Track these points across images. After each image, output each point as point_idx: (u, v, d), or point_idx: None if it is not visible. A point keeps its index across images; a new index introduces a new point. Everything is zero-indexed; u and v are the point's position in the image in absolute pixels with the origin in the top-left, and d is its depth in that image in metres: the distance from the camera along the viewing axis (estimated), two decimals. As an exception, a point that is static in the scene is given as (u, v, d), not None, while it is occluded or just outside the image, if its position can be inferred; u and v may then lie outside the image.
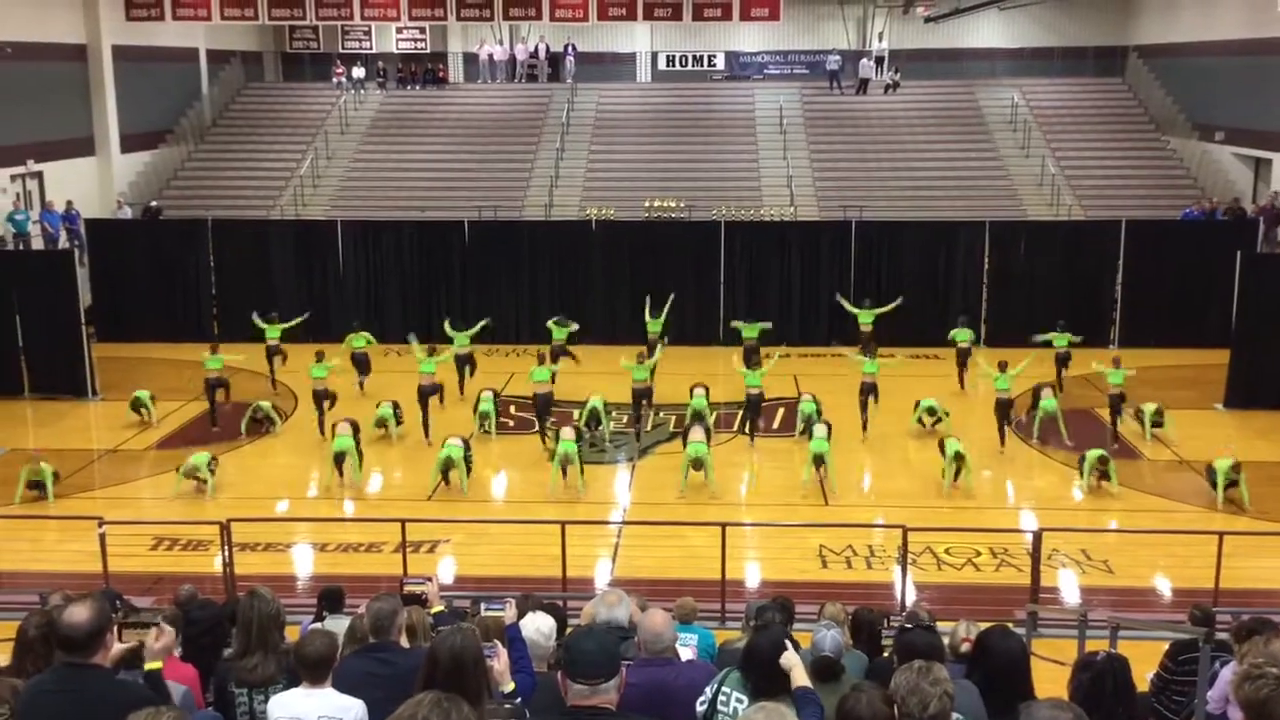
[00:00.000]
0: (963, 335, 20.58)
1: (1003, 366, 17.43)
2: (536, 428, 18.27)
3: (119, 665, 4.88)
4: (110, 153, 29.98)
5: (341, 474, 15.91)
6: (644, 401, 18.66)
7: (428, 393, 18.02)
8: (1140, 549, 13.78)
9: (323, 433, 17.63)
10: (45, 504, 15.17)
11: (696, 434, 16.15)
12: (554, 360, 19.65)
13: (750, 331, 21.39)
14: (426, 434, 17.86)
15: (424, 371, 18.10)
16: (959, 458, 15.64)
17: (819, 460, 15.73)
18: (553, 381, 18.28)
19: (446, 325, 20.35)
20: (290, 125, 34.20)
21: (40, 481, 15.35)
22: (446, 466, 15.65)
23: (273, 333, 20.31)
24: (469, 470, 15.91)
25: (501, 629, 5.40)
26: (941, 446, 16.04)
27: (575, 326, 21.44)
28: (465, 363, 20.11)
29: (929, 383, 20.72)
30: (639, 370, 18.48)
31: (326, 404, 18.06)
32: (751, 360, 19.60)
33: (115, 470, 17.07)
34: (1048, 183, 29.84)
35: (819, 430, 16.23)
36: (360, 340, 20.50)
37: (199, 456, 15.78)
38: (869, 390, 18.22)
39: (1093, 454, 15.62)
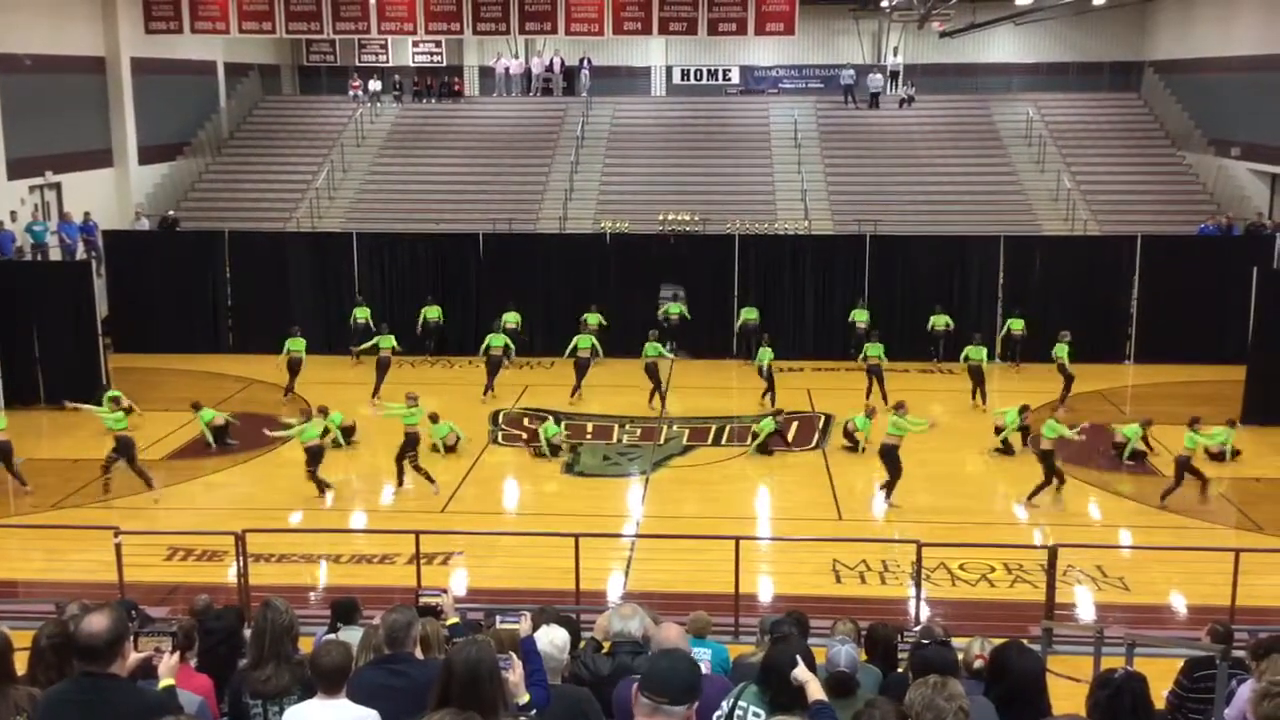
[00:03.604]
0: (976, 353, 20.51)
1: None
2: (574, 387, 20.86)
3: (135, 675, 4.90)
4: (128, 164, 30.16)
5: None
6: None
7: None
8: (1156, 566, 13.72)
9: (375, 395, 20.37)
10: (62, 512, 15.26)
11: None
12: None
13: (750, 314, 23.14)
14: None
15: (493, 345, 21.39)
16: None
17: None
18: (593, 352, 21.08)
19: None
20: (307, 138, 34.37)
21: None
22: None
23: (385, 343, 21.27)
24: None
25: (516, 641, 5.40)
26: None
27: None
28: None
29: (941, 396, 20.73)
30: (652, 347, 20.61)
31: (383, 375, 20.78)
32: (754, 342, 21.40)
33: (131, 480, 17.10)
34: (1063, 198, 29.78)
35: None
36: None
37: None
38: (875, 371, 20.30)
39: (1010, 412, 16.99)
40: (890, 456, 15.70)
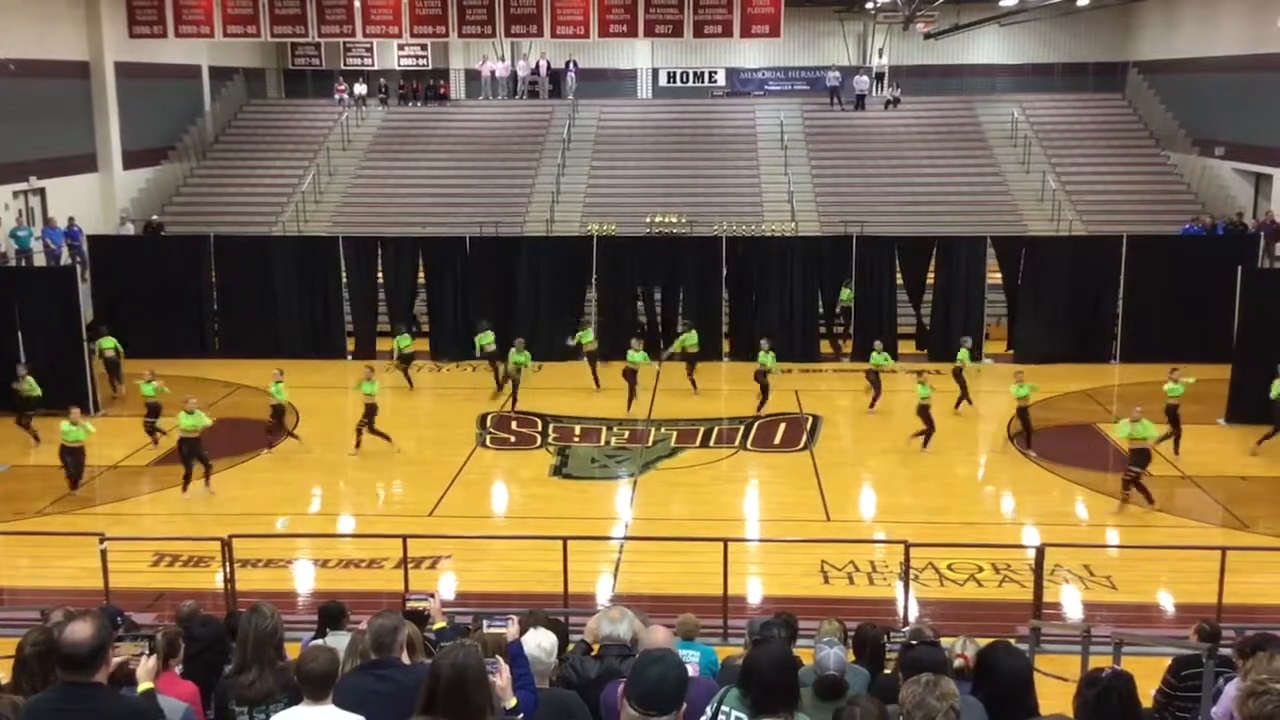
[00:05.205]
0: (879, 358, 20.50)
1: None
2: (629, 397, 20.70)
3: (116, 681, 4.86)
4: (113, 169, 30.04)
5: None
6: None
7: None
8: (1143, 565, 13.75)
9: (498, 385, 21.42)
10: (47, 518, 15.17)
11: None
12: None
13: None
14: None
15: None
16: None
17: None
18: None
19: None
20: (292, 142, 34.28)
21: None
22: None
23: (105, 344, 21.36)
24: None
25: (503, 645, 5.38)
26: None
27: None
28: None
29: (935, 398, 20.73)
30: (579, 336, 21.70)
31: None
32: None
33: (117, 486, 17.06)
34: (1048, 198, 29.88)
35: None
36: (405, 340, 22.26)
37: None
38: (760, 376, 20.22)
39: None
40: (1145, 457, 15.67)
